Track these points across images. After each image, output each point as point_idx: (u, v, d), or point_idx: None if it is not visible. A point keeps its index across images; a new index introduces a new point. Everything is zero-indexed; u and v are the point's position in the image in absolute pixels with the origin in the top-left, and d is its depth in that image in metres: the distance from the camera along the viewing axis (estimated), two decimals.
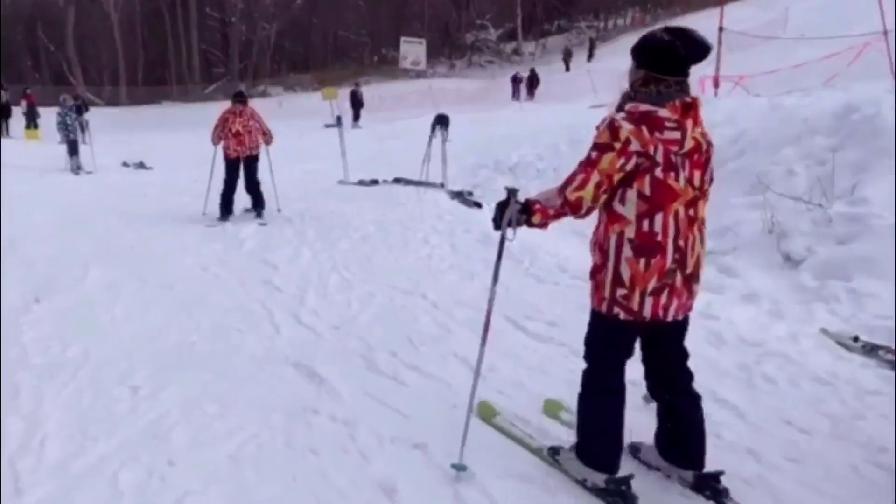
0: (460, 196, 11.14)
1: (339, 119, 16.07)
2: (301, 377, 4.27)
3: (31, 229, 8.70)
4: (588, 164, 2.78)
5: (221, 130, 9.64)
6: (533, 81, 36.10)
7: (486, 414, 3.71)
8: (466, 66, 51.14)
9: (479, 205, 10.38)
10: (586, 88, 32.11)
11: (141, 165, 17.72)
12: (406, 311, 5.58)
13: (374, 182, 13.02)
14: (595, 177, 2.76)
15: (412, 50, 43.01)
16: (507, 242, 3.02)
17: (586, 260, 3.11)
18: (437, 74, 46.65)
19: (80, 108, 17.00)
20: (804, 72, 17.41)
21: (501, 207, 2.94)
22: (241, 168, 9.64)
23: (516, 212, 2.91)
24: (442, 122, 12.46)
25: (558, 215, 2.89)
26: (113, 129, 25.29)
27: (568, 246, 7.07)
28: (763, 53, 24.02)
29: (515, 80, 36.00)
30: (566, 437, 3.41)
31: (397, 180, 12.99)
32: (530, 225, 2.93)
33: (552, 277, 6.33)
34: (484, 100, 33.86)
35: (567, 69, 42.07)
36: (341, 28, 53.29)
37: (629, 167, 2.74)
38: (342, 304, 5.79)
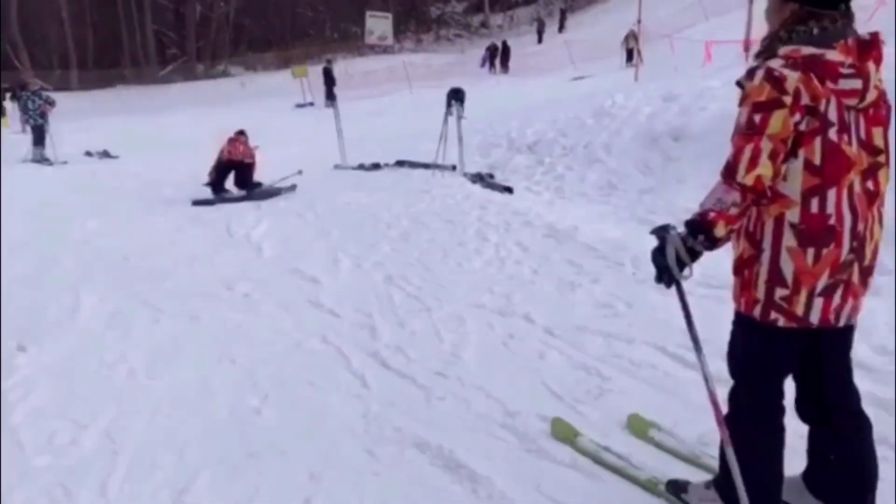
0: (482, 179, 9.90)
1: (331, 96, 14.68)
2: (437, 469, 2.90)
3: None
4: (752, 132, 2.10)
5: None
6: (506, 53, 34.89)
7: (563, 434, 3.10)
8: (434, 40, 49.40)
9: (509, 189, 9.14)
10: (562, 60, 31.26)
11: (106, 154, 16.21)
12: (517, 342, 4.24)
13: (377, 166, 11.76)
14: (766, 145, 2.08)
15: (378, 25, 41.01)
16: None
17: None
18: (404, 50, 44.98)
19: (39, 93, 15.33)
20: None
21: (661, 251, 2.21)
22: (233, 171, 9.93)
23: (680, 243, 2.19)
24: (457, 96, 11.09)
25: (743, 213, 2.17)
26: (67, 115, 23.23)
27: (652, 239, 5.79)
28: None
29: (491, 51, 34.80)
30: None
31: (400, 163, 11.73)
32: (713, 245, 2.17)
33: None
34: (455, 74, 32.34)
35: (540, 41, 40.88)
36: (299, 5, 51.19)
37: (803, 127, 2.10)
38: (428, 335, 4.41)
